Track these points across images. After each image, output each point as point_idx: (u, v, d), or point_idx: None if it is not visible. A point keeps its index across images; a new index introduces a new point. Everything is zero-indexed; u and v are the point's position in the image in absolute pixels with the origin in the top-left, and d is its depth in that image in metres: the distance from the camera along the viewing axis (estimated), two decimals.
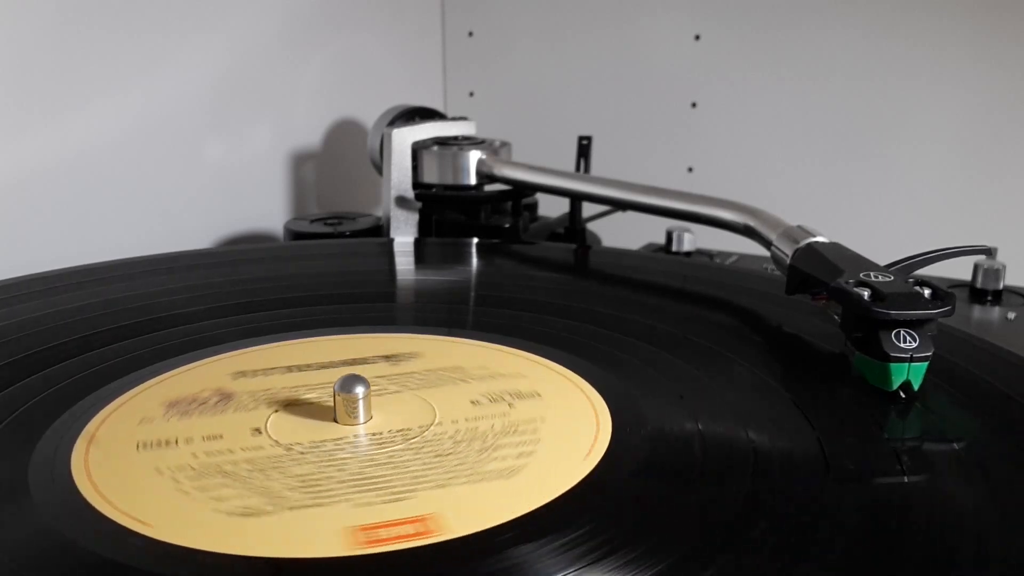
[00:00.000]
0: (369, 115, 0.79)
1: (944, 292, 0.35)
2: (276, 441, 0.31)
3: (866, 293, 0.35)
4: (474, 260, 0.57)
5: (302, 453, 0.30)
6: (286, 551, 0.24)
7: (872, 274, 0.36)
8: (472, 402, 0.33)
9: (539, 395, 0.34)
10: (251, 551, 0.24)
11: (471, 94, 0.97)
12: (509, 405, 0.32)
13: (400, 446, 0.30)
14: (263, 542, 0.25)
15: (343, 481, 0.28)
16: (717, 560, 0.24)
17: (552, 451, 0.30)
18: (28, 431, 0.31)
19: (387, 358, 0.37)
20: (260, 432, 0.31)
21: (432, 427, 0.31)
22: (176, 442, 0.31)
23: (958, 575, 0.23)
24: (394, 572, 0.24)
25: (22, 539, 0.25)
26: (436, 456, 0.29)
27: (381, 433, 0.31)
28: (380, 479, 0.28)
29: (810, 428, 0.31)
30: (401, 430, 0.31)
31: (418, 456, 0.29)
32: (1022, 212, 0.72)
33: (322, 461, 0.29)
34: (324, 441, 0.30)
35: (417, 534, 0.25)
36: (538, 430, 0.31)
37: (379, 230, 0.67)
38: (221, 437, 0.31)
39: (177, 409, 0.34)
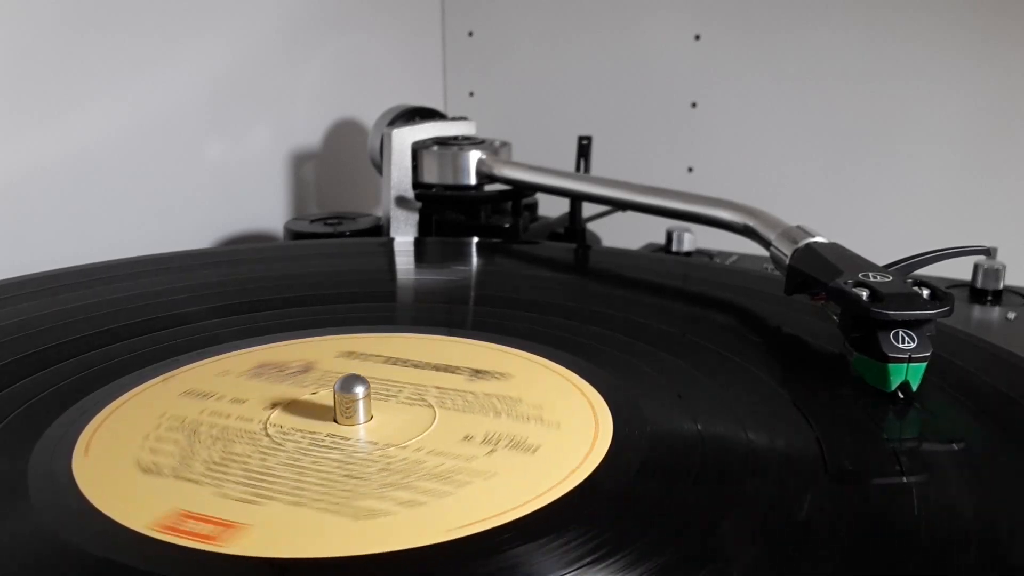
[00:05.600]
0: (369, 115, 0.79)
1: (943, 292, 0.35)
2: (266, 419, 0.32)
3: (865, 293, 0.35)
4: (474, 260, 0.57)
5: (265, 436, 0.31)
6: (110, 510, 0.26)
7: (871, 274, 0.36)
8: (465, 437, 0.31)
9: (534, 449, 0.30)
10: (96, 499, 0.26)
11: (471, 94, 0.97)
12: (489, 453, 0.30)
13: (337, 454, 0.29)
14: (117, 497, 0.26)
15: (247, 469, 0.28)
16: (715, 560, 0.24)
17: (444, 508, 0.26)
18: (28, 430, 0.31)
19: (475, 372, 0.36)
20: (270, 408, 0.33)
21: (392, 448, 0.30)
22: (212, 396, 0.33)
23: None
24: (140, 556, 0.24)
25: (22, 538, 0.25)
26: (346, 475, 0.28)
27: (348, 438, 0.31)
28: (272, 479, 0.28)
29: (809, 428, 0.31)
30: (370, 441, 0.30)
31: (335, 469, 0.28)
32: (1022, 212, 0.72)
33: (264, 447, 0.30)
34: (295, 431, 0.31)
35: (205, 537, 0.24)
36: (465, 485, 0.28)
37: (379, 230, 0.67)
38: (243, 402, 0.33)
39: (259, 371, 0.36)
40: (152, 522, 0.25)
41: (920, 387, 0.34)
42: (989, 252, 0.42)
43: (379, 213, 0.70)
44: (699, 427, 0.31)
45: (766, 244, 0.47)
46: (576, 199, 0.65)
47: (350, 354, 0.39)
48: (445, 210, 0.66)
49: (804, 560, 0.24)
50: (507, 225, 0.65)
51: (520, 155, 0.69)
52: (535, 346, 0.39)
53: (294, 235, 0.66)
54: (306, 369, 0.37)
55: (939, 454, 0.30)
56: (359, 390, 0.31)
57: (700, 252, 0.64)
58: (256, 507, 0.26)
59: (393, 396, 0.34)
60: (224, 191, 0.74)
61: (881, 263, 0.38)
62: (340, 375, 0.32)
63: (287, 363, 0.37)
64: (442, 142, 0.66)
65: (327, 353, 0.39)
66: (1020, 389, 0.34)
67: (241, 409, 0.33)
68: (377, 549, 0.24)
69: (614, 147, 0.82)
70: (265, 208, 0.78)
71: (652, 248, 0.68)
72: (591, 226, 0.69)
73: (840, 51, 0.76)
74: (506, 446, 0.30)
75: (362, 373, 0.32)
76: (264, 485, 0.27)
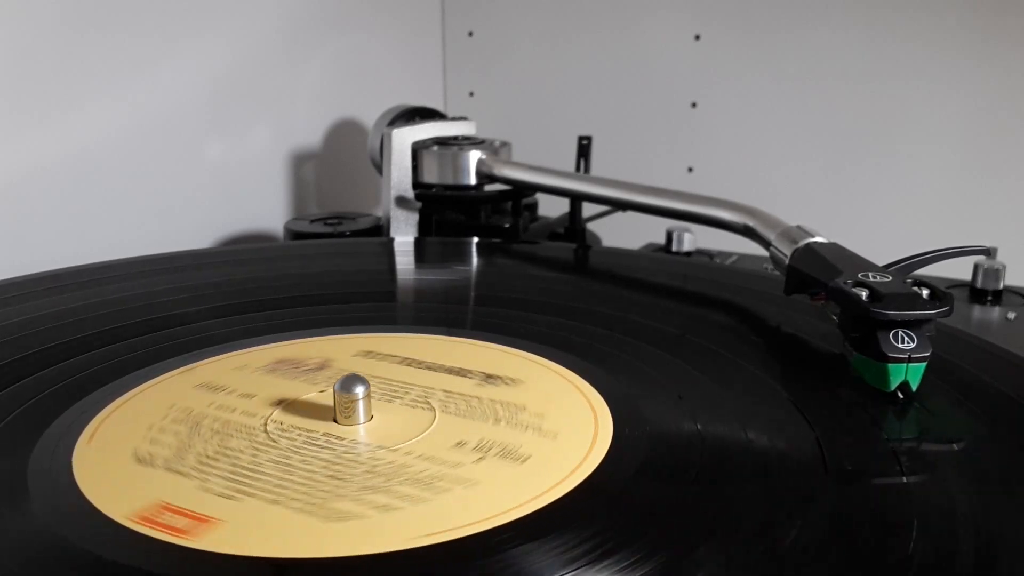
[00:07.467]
0: (369, 115, 0.79)
1: (942, 292, 0.35)
2: (268, 415, 0.32)
3: (864, 293, 0.35)
4: (474, 260, 0.57)
5: (263, 432, 0.31)
6: (93, 496, 0.27)
7: (870, 274, 0.36)
8: (458, 443, 0.30)
9: (524, 459, 0.29)
10: (88, 489, 0.27)
11: (471, 94, 0.97)
12: (478, 460, 0.29)
13: (327, 454, 0.29)
14: (107, 487, 0.27)
15: (236, 465, 0.29)
16: (715, 560, 0.24)
17: (416, 515, 0.26)
18: (29, 429, 0.31)
19: (487, 377, 0.36)
20: (274, 405, 0.33)
21: (383, 450, 0.30)
22: (223, 390, 0.34)
23: None
24: (116, 547, 0.24)
25: (21, 538, 0.25)
26: (330, 476, 0.28)
27: (343, 439, 0.30)
28: (257, 476, 0.28)
29: (809, 428, 0.31)
30: (363, 442, 0.30)
31: (321, 469, 0.28)
32: (1022, 212, 0.72)
33: (259, 444, 0.30)
34: (293, 429, 0.31)
35: (177, 530, 0.25)
36: (444, 492, 0.27)
37: (379, 230, 0.67)
38: (251, 397, 0.34)
39: (275, 366, 0.37)
40: (130, 513, 0.26)
41: (920, 387, 0.34)
42: (989, 252, 0.42)
43: (379, 213, 0.70)
44: (699, 427, 0.31)
45: (766, 244, 0.47)
46: (576, 199, 0.65)
47: (366, 353, 0.39)
48: (445, 210, 0.66)
49: (804, 560, 0.24)
50: (507, 225, 0.65)
51: (520, 155, 0.69)
52: (535, 346, 0.39)
53: (294, 235, 0.66)
54: (324, 367, 0.37)
55: (939, 454, 0.30)
56: (359, 390, 0.31)
57: (700, 252, 0.64)
58: (234, 503, 0.26)
59: (398, 397, 0.34)
60: (224, 191, 0.74)
61: (881, 263, 0.38)
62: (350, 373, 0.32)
63: (304, 359, 0.38)
64: (442, 142, 0.66)
65: (341, 352, 0.39)
66: (1020, 389, 0.34)
67: (248, 404, 0.33)
68: (341, 552, 0.24)
69: (614, 147, 0.82)
70: (265, 208, 0.78)
71: (652, 248, 0.68)
72: (591, 226, 0.69)
73: (840, 51, 0.76)
74: (496, 454, 0.30)
75: (373, 373, 0.32)
76: (248, 481, 0.28)
